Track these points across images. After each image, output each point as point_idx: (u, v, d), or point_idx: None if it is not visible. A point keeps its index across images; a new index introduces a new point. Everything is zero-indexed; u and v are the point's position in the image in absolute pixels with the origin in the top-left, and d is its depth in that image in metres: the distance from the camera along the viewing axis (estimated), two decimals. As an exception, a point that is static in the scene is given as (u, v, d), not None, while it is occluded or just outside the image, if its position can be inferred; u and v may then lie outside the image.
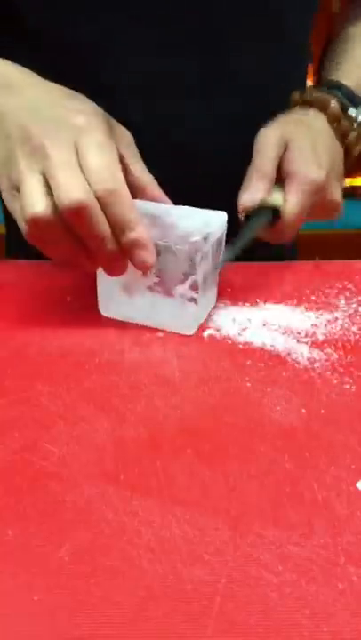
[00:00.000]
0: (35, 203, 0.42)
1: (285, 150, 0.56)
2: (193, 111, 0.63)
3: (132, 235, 0.43)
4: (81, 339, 0.48)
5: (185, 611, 0.26)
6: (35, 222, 0.42)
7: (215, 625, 0.25)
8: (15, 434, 0.37)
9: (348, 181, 1.97)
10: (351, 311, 0.52)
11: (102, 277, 0.49)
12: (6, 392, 0.41)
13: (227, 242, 0.51)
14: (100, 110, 0.47)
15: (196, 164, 0.64)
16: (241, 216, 0.54)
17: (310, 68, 0.75)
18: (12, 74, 0.49)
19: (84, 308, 0.52)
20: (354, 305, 0.53)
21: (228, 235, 0.51)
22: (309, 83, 0.74)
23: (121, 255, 0.44)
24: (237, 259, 0.54)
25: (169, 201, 0.52)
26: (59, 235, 0.43)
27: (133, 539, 0.29)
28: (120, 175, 0.43)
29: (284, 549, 0.29)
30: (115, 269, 0.46)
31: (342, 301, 0.54)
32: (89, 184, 0.42)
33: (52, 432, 0.37)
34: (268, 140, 0.56)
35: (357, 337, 0.48)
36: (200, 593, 0.27)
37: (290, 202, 0.54)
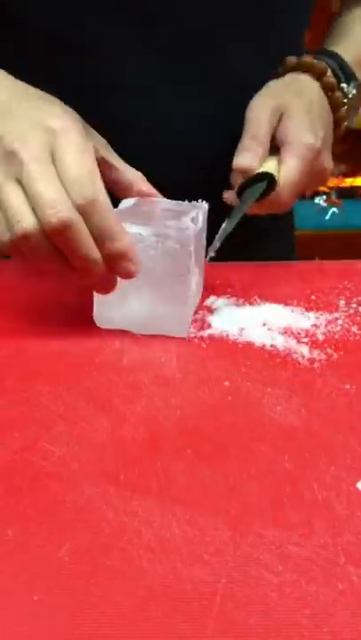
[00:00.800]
0: (23, 219, 0.40)
1: (280, 119, 0.56)
2: (191, 110, 0.63)
3: (115, 245, 0.42)
4: (81, 339, 0.48)
5: (185, 610, 0.26)
6: (26, 238, 0.40)
7: (215, 625, 0.25)
8: (15, 434, 0.37)
9: (349, 181, 1.97)
10: (351, 311, 0.52)
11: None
12: (6, 392, 0.41)
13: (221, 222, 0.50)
14: (74, 113, 0.45)
15: (194, 163, 0.63)
16: (234, 187, 0.53)
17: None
18: None
19: (83, 308, 0.52)
20: (354, 305, 0.53)
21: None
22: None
23: (108, 273, 0.43)
24: (236, 256, 0.53)
25: (158, 194, 0.52)
26: (47, 250, 0.41)
27: (133, 538, 0.29)
28: (100, 183, 0.41)
29: (284, 549, 0.29)
30: (104, 288, 0.45)
31: (342, 302, 0.54)
32: (67, 194, 0.40)
33: (52, 432, 0.37)
34: (263, 108, 0.56)
35: (358, 337, 0.48)
36: (200, 593, 0.27)
37: (287, 167, 0.53)
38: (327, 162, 0.58)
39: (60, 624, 0.26)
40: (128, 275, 0.43)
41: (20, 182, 0.40)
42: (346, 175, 1.97)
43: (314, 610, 0.26)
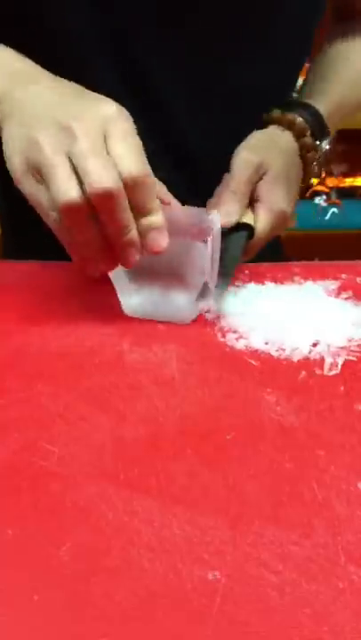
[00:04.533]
0: (69, 189, 0.42)
1: (262, 177, 0.59)
2: (192, 116, 0.64)
3: (150, 218, 0.44)
4: (81, 339, 0.48)
5: (185, 610, 0.26)
6: (68, 209, 0.42)
7: (215, 624, 0.25)
8: (15, 434, 0.37)
9: (349, 181, 1.97)
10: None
11: (116, 275, 0.50)
12: (6, 392, 0.41)
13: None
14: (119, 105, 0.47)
15: (195, 170, 0.64)
16: None
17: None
18: (32, 69, 0.49)
19: (83, 309, 0.52)
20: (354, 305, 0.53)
21: None
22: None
23: (136, 242, 0.45)
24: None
25: (173, 200, 0.53)
26: (86, 222, 0.43)
27: (133, 538, 0.29)
28: (146, 162, 0.44)
29: (284, 549, 0.29)
30: (127, 257, 0.46)
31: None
32: (115, 167, 0.42)
33: (52, 432, 0.37)
34: (247, 164, 0.58)
35: (358, 337, 0.48)
36: (200, 592, 0.27)
37: (261, 225, 0.58)
38: (292, 220, 0.63)
39: (60, 623, 0.26)
40: (157, 247, 0.45)
41: (69, 156, 0.42)
42: (346, 175, 1.97)
43: (314, 609, 0.26)
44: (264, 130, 0.63)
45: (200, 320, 0.51)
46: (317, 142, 0.64)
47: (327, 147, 0.66)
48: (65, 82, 0.49)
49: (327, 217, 1.85)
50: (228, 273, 0.53)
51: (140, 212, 0.44)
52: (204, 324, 0.50)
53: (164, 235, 0.45)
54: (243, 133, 0.61)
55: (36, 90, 0.47)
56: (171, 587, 0.27)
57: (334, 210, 1.86)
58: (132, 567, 0.28)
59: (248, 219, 0.58)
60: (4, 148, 0.46)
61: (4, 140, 0.46)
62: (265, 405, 0.40)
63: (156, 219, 0.45)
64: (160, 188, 0.52)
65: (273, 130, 0.63)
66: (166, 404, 0.40)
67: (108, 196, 0.41)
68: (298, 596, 0.27)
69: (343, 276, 0.57)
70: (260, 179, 0.59)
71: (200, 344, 0.48)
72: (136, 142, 0.44)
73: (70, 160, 0.42)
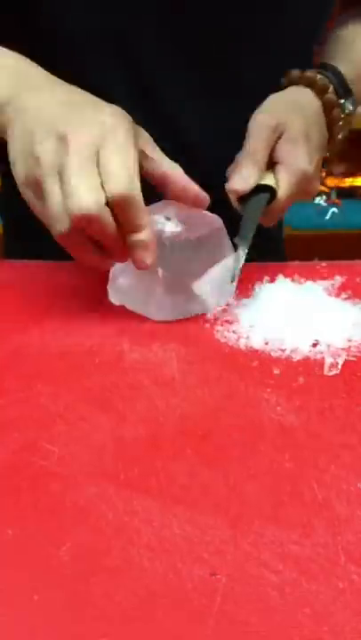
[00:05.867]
0: (60, 210, 0.43)
1: (279, 137, 0.57)
2: (197, 115, 0.64)
3: (137, 236, 0.45)
4: (81, 339, 0.48)
5: (185, 610, 0.26)
6: (61, 228, 0.43)
7: (215, 624, 0.25)
8: (15, 434, 0.37)
9: (349, 181, 1.97)
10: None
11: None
12: (6, 392, 0.41)
13: (234, 235, 0.53)
14: (124, 112, 0.48)
15: (198, 167, 0.64)
16: (234, 199, 0.55)
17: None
18: (40, 73, 0.50)
19: (83, 308, 0.52)
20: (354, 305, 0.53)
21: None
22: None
23: (126, 257, 0.46)
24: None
25: (196, 188, 0.52)
26: (81, 237, 0.45)
27: (133, 538, 0.29)
28: (137, 180, 0.44)
29: (284, 548, 0.29)
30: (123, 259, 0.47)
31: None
32: (103, 187, 0.43)
33: (52, 432, 0.37)
34: (263, 125, 0.57)
35: (358, 338, 0.48)
36: (200, 592, 0.27)
37: (282, 188, 0.55)
38: (316, 184, 0.61)
39: (60, 623, 0.26)
40: (143, 264, 0.46)
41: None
42: (346, 175, 1.97)
43: (314, 608, 0.26)
44: (282, 91, 0.62)
45: (200, 320, 0.51)
46: (341, 100, 0.62)
47: (351, 107, 0.63)
48: (73, 89, 0.49)
49: (327, 217, 1.85)
50: (247, 237, 0.53)
51: (127, 228, 0.45)
52: (204, 323, 0.50)
53: (151, 252, 0.46)
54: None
55: (42, 98, 0.47)
56: (171, 586, 0.27)
57: (334, 210, 1.86)
58: (132, 567, 0.28)
59: (269, 180, 0.56)
60: (9, 153, 0.47)
61: (8, 145, 0.47)
62: (265, 405, 0.40)
63: (144, 236, 0.45)
64: (176, 174, 0.51)
65: (292, 90, 0.62)
66: (166, 403, 0.40)
67: (87, 219, 0.42)
68: (298, 595, 0.27)
69: (343, 276, 0.57)
70: (279, 139, 0.57)
71: (200, 344, 0.48)
72: (129, 156, 0.44)
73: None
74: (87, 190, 0.42)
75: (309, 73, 0.62)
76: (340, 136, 0.64)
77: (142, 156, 0.49)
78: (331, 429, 0.38)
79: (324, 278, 0.57)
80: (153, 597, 0.26)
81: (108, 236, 0.44)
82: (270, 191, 0.55)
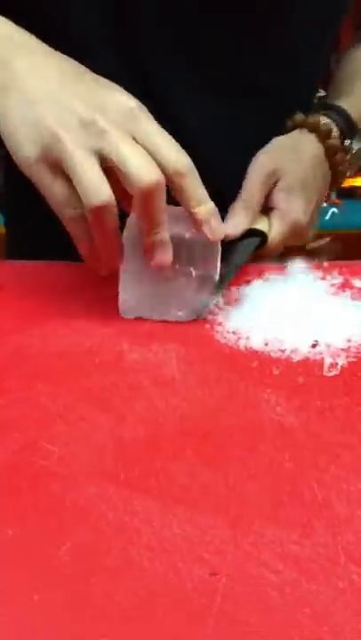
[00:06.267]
0: (102, 190, 0.40)
1: (276, 183, 0.58)
2: (198, 115, 0.64)
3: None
4: (81, 339, 0.48)
5: (185, 610, 0.26)
6: (100, 209, 0.41)
7: (215, 624, 0.25)
8: (15, 434, 0.37)
9: (349, 181, 1.97)
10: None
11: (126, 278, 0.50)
12: (6, 392, 0.41)
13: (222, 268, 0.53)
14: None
15: (199, 166, 0.64)
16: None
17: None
18: (30, 39, 0.46)
19: (83, 308, 0.52)
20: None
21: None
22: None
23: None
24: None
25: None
26: (110, 223, 0.42)
27: (133, 538, 0.29)
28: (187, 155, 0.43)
29: (284, 548, 0.29)
30: (158, 257, 0.46)
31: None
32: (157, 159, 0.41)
33: (52, 432, 0.37)
34: (261, 171, 0.58)
35: (358, 338, 0.48)
36: (200, 592, 0.27)
37: (274, 234, 0.57)
38: (309, 230, 0.63)
39: (60, 623, 0.26)
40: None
41: (97, 154, 0.41)
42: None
43: (314, 608, 0.26)
44: (287, 135, 0.62)
45: (200, 320, 0.51)
46: (346, 141, 0.63)
47: (356, 147, 0.64)
48: (62, 57, 0.46)
49: (327, 217, 1.85)
50: (225, 279, 0.53)
51: (189, 199, 0.44)
52: (204, 324, 0.50)
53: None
54: (253, 130, 0.61)
55: (36, 62, 0.44)
56: (171, 586, 0.27)
57: (334, 210, 1.86)
58: (132, 567, 0.28)
59: (263, 225, 0.57)
60: (2, 123, 0.43)
61: (2, 114, 0.43)
62: (265, 405, 0.40)
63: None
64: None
65: (296, 134, 0.62)
66: (166, 404, 0.40)
67: (154, 189, 0.40)
68: (298, 595, 0.27)
69: (343, 275, 0.57)
70: (275, 185, 0.58)
71: (200, 344, 0.47)
72: (165, 133, 0.43)
73: (100, 158, 0.41)
74: (149, 163, 0.40)
75: (313, 118, 0.62)
76: (348, 174, 0.65)
77: None
78: (331, 429, 0.38)
79: (324, 278, 0.57)
80: (153, 597, 0.26)
81: (158, 217, 0.43)
82: (262, 236, 0.57)
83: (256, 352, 0.46)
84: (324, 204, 1.89)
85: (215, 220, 0.45)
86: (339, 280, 0.57)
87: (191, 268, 0.49)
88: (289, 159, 0.60)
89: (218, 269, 0.50)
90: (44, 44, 0.47)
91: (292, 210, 0.58)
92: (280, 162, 0.59)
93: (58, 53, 0.47)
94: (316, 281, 0.57)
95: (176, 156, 0.42)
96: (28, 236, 0.51)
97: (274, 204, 0.58)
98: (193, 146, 0.65)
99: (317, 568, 0.28)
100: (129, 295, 0.50)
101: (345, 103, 0.65)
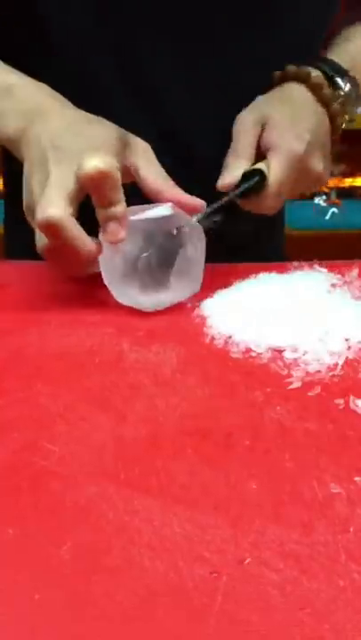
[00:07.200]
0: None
1: (264, 128, 0.57)
2: (196, 116, 0.64)
3: (110, 210, 0.47)
4: (81, 339, 0.48)
5: (186, 609, 0.26)
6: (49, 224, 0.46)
7: (216, 623, 0.25)
8: (15, 434, 0.37)
9: (349, 181, 1.97)
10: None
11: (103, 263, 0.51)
12: (6, 392, 0.41)
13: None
14: (114, 132, 0.50)
15: (195, 168, 0.64)
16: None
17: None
18: (45, 101, 0.53)
19: (83, 308, 0.52)
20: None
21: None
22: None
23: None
24: (230, 258, 0.55)
25: (190, 199, 0.53)
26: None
27: (134, 537, 0.29)
28: (113, 161, 0.46)
29: (285, 547, 0.29)
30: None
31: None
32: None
33: (52, 432, 0.37)
34: (245, 122, 0.57)
35: (358, 337, 0.48)
36: (201, 591, 0.27)
37: (272, 170, 0.55)
38: (317, 164, 0.59)
39: (60, 623, 0.26)
40: (114, 237, 0.48)
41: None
42: (346, 175, 1.97)
43: (315, 607, 0.26)
44: (271, 90, 0.62)
45: (200, 320, 0.51)
46: (337, 81, 0.62)
47: (349, 84, 0.62)
48: (76, 114, 0.52)
49: (327, 217, 1.85)
50: (217, 209, 0.53)
51: (102, 203, 0.47)
52: (204, 324, 0.50)
53: (122, 225, 0.47)
54: None
55: (41, 128, 0.50)
56: (171, 585, 0.27)
57: (334, 210, 1.86)
58: (132, 566, 0.28)
59: (262, 166, 0.55)
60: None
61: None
62: (265, 405, 0.40)
63: (115, 209, 0.47)
64: (168, 190, 0.52)
65: (282, 86, 0.62)
66: (166, 403, 0.40)
67: (52, 223, 0.45)
68: (299, 594, 0.26)
69: (343, 275, 0.57)
70: (263, 131, 0.57)
71: (200, 344, 0.48)
72: (97, 157, 0.46)
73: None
74: (53, 199, 0.45)
75: (290, 68, 0.61)
76: (347, 117, 0.63)
77: (135, 173, 0.51)
78: (331, 429, 0.38)
79: (323, 278, 0.57)
80: (154, 596, 0.26)
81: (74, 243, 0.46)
82: (261, 176, 0.55)
83: (256, 352, 0.46)
84: (324, 204, 1.90)
85: (112, 224, 0.48)
86: (339, 280, 0.57)
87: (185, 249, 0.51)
88: (272, 104, 0.59)
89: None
90: (57, 103, 0.53)
91: (286, 142, 0.56)
92: (265, 108, 0.58)
93: (71, 111, 0.53)
94: (316, 280, 0.56)
95: (88, 162, 0.45)
96: (27, 236, 0.51)
97: (266, 145, 0.57)
98: (188, 145, 0.65)
99: (318, 567, 0.28)
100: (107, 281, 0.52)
101: (331, 54, 0.64)
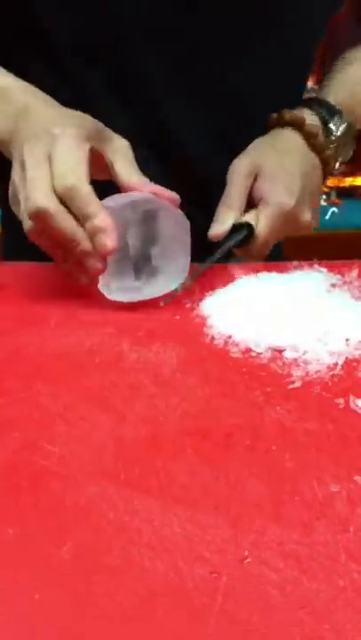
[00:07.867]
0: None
1: (256, 178, 0.59)
2: (189, 120, 0.65)
3: (93, 222, 0.47)
4: (80, 339, 0.48)
5: (186, 609, 0.26)
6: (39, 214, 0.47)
7: (216, 623, 0.25)
8: (15, 434, 0.37)
9: (349, 181, 1.97)
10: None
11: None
12: (6, 392, 0.41)
13: (204, 255, 0.55)
14: (93, 122, 0.51)
15: (194, 178, 0.65)
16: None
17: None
18: (32, 102, 0.54)
19: (83, 308, 0.52)
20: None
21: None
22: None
23: (92, 252, 0.48)
24: (227, 258, 0.56)
25: (165, 190, 0.53)
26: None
27: (134, 537, 0.29)
28: (81, 171, 0.47)
29: (285, 547, 0.29)
30: (90, 268, 0.49)
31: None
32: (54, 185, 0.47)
33: (52, 432, 0.37)
34: (238, 171, 0.59)
35: (358, 337, 0.48)
36: (201, 591, 0.27)
37: (261, 224, 0.57)
38: (305, 215, 0.62)
39: (60, 623, 0.26)
40: (104, 248, 0.48)
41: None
42: (346, 175, 1.97)
43: (315, 607, 0.26)
44: (265, 136, 0.63)
45: (200, 320, 0.51)
46: (330, 127, 0.63)
47: (342, 127, 0.63)
48: (61, 110, 0.53)
49: (327, 217, 1.85)
50: (201, 266, 0.54)
51: (81, 217, 0.47)
52: (204, 323, 0.50)
53: (110, 235, 0.47)
54: (241, 136, 0.61)
55: (28, 127, 0.51)
56: (172, 585, 0.27)
57: (334, 210, 1.86)
58: (132, 566, 0.28)
59: (250, 219, 0.57)
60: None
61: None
62: (265, 405, 0.40)
63: (98, 221, 0.47)
64: (143, 187, 0.52)
65: (273, 132, 0.63)
66: (166, 403, 0.40)
67: (39, 213, 0.46)
68: (299, 594, 0.26)
69: (343, 275, 0.57)
70: (255, 181, 0.59)
71: (200, 344, 0.48)
72: (73, 154, 0.47)
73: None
74: (39, 189, 0.46)
75: (285, 113, 0.63)
76: (340, 159, 0.65)
77: (111, 167, 0.52)
78: (331, 429, 0.38)
79: (323, 278, 0.57)
80: (154, 596, 0.26)
81: (63, 226, 0.47)
82: (249, 229, 0.57)
83: (256, 352, 0.46)
84: (324, 204, 1.90)
85: (100, 235, 0.47)
86: (338, 280, 0.57)
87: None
88: (267, 153, 0.60)
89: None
90: (42, 103, 0.54)
91: (276, 195, 0.58)
92: (258, 157, 0.59)
93: (57, 111, 0.54)
94: (316, 280, 0.56)
95: (60, 177, 0.46)
96: (27, 236, 0.51)
97: (258, 196, 0.58)
98: (179, 148, 0.66)
99: (318, 567, 0.28)
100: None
101: (322, 93, 0.65)
